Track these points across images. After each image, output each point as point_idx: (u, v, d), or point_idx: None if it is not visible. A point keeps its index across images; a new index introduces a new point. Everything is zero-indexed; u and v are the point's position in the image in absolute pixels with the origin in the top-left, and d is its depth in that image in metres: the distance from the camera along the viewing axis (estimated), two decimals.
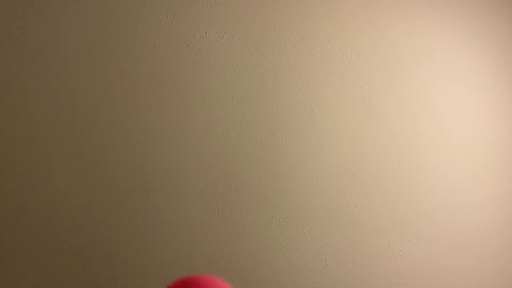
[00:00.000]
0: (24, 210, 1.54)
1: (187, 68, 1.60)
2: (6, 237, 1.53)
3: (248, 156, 1.63)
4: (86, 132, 1.56)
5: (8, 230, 1.53)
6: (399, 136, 1.72)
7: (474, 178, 1.77)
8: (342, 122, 1.69)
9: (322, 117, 1.68)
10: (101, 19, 1.56)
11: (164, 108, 1.60)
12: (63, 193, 1.55)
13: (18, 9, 1.53)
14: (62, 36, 1.55)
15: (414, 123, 1.73)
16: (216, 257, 1.61)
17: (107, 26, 1.57)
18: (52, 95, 1.55)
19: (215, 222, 1.61)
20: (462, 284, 1.76)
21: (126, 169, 1.58)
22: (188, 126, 1.60)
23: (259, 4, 1.64)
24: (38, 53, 1.54)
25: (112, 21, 1.57)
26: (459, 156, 1.76)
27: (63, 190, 1.55)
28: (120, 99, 1.58)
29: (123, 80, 1.58)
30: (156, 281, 1.59)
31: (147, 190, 1.57)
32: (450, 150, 1.76)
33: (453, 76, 1.77)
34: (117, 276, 1.57)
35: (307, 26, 1.67)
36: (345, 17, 1.70)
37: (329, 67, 1.69)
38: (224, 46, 1.62)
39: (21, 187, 1.54)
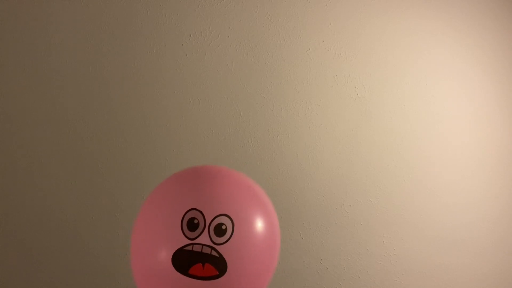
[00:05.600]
0: (19, 211, 1.53)
1: (182, 67, 1.60)
2: (0, 238, 1.52)
3: (243, 156, 1.63)
4: (80, 132, 1.56)
5: (2, 230, 1.52)
6: (393, 136, 1.73)
7: (468, 177, 1.78)
8: (336, 122, 1.69)
9: (316, 116, 1.68)
10: (95, 18, 1.56)
11: (158, 107, 1.59)
12: (57, 193, 1.55)
13: (10, 6, 1.52)
14: (55, 35, 1.54)
15: (408, 122, 1.74)
16: None
17: (102, 26, 1.56)
18: (46, 94, 1.54)
19: None
20: (457, 283, 1.77)
21: (121, 169, 1.57)
22: (182, 125, 1.60)
23: (254, 4, 1.64)
24: (32, 53, 1.53)
25: (107, 20, 1.56)
26: (453, 156, 1.77)
27: (57, 190, 1.55)
28: (114, 98, 1.57)
29: (117, 80, 1.57)
30: None
31: (142, 189, 1.57)
32: (444, 149, 1.76)
33: (447, 76, 1.78)
34: (113, 275, 1.56)
35: (302, 26, 1.68)
36: (339, 17, 1.70)
37: (324, 67, 1.69)
38: (219, 45, 1.62)
39: (14, 187, 1.53)
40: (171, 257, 0.74)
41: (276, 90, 1.66)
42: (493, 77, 1.81)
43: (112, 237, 1.56)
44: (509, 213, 1.81)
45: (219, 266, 0.74)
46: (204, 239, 0.74)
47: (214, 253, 0.74)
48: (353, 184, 1.70)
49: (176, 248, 0.74)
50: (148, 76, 1.58)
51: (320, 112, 1.68)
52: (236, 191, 0.82)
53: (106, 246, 1.56)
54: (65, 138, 1.55)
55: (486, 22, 1.81)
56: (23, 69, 1.53)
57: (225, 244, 0.74)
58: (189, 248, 0.74)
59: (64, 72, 1.55)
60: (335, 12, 1.70)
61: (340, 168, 1.69)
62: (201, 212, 0.74)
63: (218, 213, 0.74)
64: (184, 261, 0.73)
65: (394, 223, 1.72)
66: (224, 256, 0.73)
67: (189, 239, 0.74)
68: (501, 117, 1.82)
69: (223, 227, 0.75)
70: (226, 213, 0.75)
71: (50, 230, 1.54)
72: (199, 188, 0.79)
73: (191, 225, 0.74)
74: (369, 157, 1.71)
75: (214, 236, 0.74)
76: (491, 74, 1.81)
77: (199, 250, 0.73)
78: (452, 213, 1.76)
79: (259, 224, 0.79)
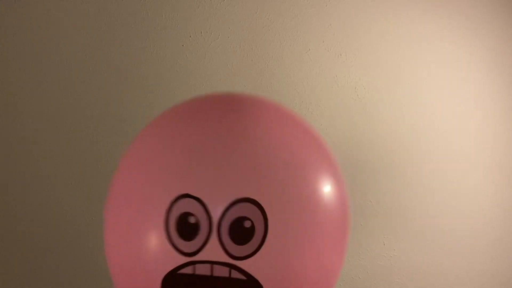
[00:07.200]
0: (18, 212, 1.53)
1: (182, 68, 1.60)
2: (0, 239, 1.52)
3: None
4: (81, 133, 1.56)
5: (3, 232, 1.52)
6: (393, 137, 1.73)
7: (469, 178, 1.78)
8: (336, 123, 1.69)
9: (316, 117, 1.68)
10: (95, 19, 1.56)
11: (158, 108, 1.59)
12: (57, 193, 1.55)
13: (12, 8, 1.52)
14: (54, 35, 1.54)
15: (408, 124, 1.74)
16: None
17: (102, 26, 1.56)
18: (45, 95, 1.54)
19: None
20: (457, 284, 1.76)
21: None
22: None
23: (254, 4, 1.64)
24: (32, 53, 1.53)
25: (107, 21, 1.56)
26: (455, 157, 1.77)
27: (57, 190, 1.55)
28: (114, 99, 1.57)
29: (117, 81, 1.57)
30: None
31: None
32: (445, 151, 1.76)
33: (448, 78, 1.77)
34: None
35: (302, 26, 1.68)
36: (340, 17, 1.70)
37: (324, 68, 1.69)
38: (219, 46, 1.62)
39: (14, 188, 1.53)
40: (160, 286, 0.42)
41: (276, 91, 1.66)
42: (496, 79, 1.81)
43: None
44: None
45: None
46: (212, 251, 0.41)
47: (236, 274, 0.40)
48: (353, 185, 1.70)
49: (166, 272, 0.42)
50: (148, 77, 1.58)
51: (320, 113, 1.68)
52: (271, 146, 0.45)
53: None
54: (65, 139, 1.55)
55: (489, 22, 1.81)
56: (22, 70, 1.53)
57: (254, 256, 0.41)
58: (188, 270, 0.41)
59: (63, 72, 1.55)
60: (335, 13, 1.70)
61: (340, 169, 1.69)
62: (199, 200, 0.41)
63: (234, 199, 0.41)
64: None
65: (394, 223, 1.72)
66: (257, 277, 0.40)
67: (185, 254, 0.41)
68: (505, 118, 1.81)
69: (247, 224, 0.41)
70: (250, 197, 0.41)
71: (49, 231, 1.54)
72: (195, 151, 0.44)
73: (186, 227, 0.41)
74: (369, 158, 1.71)
75: (231, 243, 0.41)
76: (494, 76, 1.81)
77: (208, 272, 0.40)
78: (453, 213, 1.76)
79: (319, 208, 0.45)
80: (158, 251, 0.42)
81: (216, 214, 0.41)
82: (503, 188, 1.81)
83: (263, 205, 0.41)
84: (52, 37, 1.54)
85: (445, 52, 1.77)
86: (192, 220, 0.41)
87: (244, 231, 0.41)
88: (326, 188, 0.51)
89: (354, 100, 1.70)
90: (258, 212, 0.41)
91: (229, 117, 0.50)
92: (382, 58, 1.72)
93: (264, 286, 0.40)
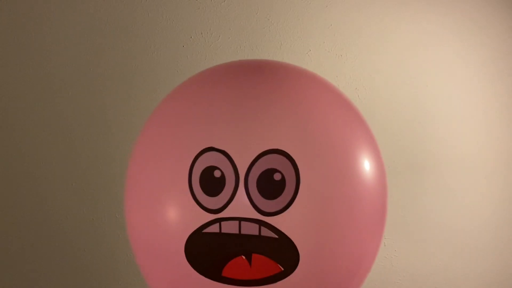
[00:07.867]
0: (18, 213, 1.53)
1: (182, 69, 1.60)
2: (1, 240, 1.52)
3: None
4: (80, 134, 1.55)
5: (3, 233, 1.52)
6: (394, 138, 1.73)
7: (470, 179, 1.78)
8: None
9: None
10: (96, 20, 1.55)
11: None
12: (57, 194, 1.54)
13: (6, 6, 1.51)
14: (54, 36, 1.54)
15: (409, 125, 1.74)
16: None
17: (102, 27, 1.56)
18: (44, 96, 1.54)
19: None
20: (458, 285, 1.77)
21: (121, 170, 1.57)
22: None
23: (255, 5, 1.64)
24: (30, 54, 1.53)
25: (107, 22, 1.56)
26: (455, 158, 1.77)
27: (57, 192, 1.54)
28: (114, 100, 1.57)
29: (118, 82, 1.57)
30: None
31: None
32: (446, 152, 1.76)
33: (450, 79, 1.77)
34: (114, 276, 1.56)
35: (302, 27, 1.68)
36: (340, 18, 1.70)
37: (324, 68, 1.69)
38: (219, 47, 1.62)
39: (13, 189, 1.52)
40: (183, 249, 0.40)
41: None
42: (497, 81, 1.81)
43: (112, 238, 1.56)
44: None
45: (282, 255, 0.38)
46: (240, 206, 0.38)
47: (266, 231, 0.37)
48: None
49: (189, 232, 0.40)
50: (148, 78, 1.58)
51: None
52: (301, 98, 0.43)
53: (106, 247, 1.56)
54: (64, 139, 1.55)
55: (491, 22, 1.81)
56: (21, 71, 1.52)
57: (286, 212, 0.38)
58: (214, 229, 0.38)
59: (63, 73, 1.54)
60: (336, 13, 1.70)
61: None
62: (224, 153, 0.39)
63: (262, 150, 0.38)
64: (209, 255, 0.39)
65: (395, 224, 1.72)
66: (289, 235, 0.37)
67: (211, 211, 0.39)
68: (508, 119, 1.81)
69: (276, 176, 0.38)
70: (279, 148, 0.38)
71: (50, 232, 1.54)
72: (219, 104, 0.42)
73: (210, 181, 0.38)
74: None
75: (260, 197, 0.38)
76: (496, 78, 1.81)
77: (236, 230, 0.38)
78: (454, 214, 1.76)
79: (354, 162, 0.42)
80: (181, 209, 0.39)
81: (242, 167, 0.39)
82: (504, 188, 1.81)
83: (293, 156, 0.39)
84: (52, 38, 1.53)
85: (446, 52, 1.78)
86: (217, 174, 0.39)
87: (273, 184, 0.39)
88: (361, 145, 0.46)
89: (355, 100, 1.69)
90: (289, 164, 0.39)
91: (257, 74, 0.49)
92: (383, 59, 1.72)
93: (297, 244, 0.38)
